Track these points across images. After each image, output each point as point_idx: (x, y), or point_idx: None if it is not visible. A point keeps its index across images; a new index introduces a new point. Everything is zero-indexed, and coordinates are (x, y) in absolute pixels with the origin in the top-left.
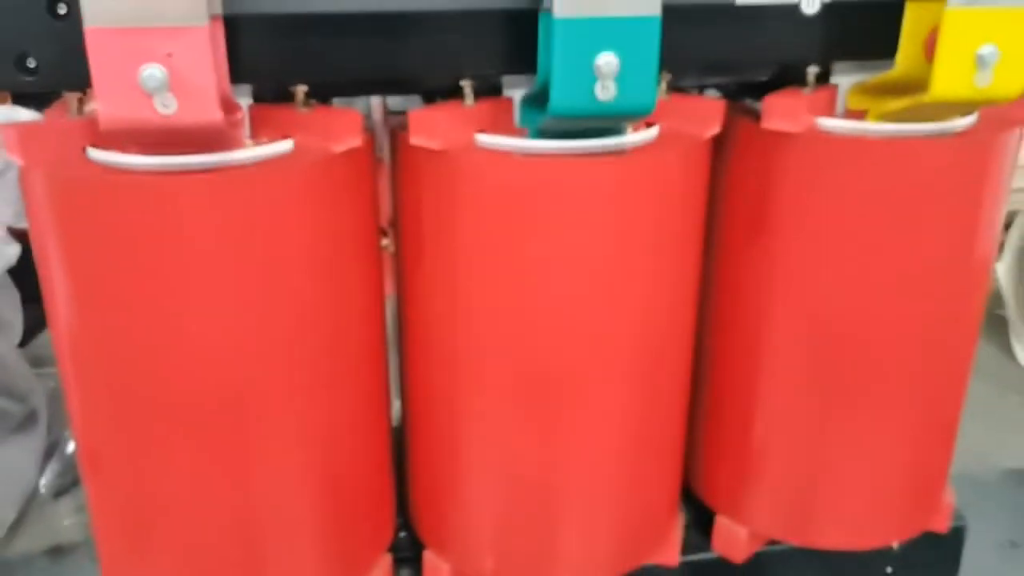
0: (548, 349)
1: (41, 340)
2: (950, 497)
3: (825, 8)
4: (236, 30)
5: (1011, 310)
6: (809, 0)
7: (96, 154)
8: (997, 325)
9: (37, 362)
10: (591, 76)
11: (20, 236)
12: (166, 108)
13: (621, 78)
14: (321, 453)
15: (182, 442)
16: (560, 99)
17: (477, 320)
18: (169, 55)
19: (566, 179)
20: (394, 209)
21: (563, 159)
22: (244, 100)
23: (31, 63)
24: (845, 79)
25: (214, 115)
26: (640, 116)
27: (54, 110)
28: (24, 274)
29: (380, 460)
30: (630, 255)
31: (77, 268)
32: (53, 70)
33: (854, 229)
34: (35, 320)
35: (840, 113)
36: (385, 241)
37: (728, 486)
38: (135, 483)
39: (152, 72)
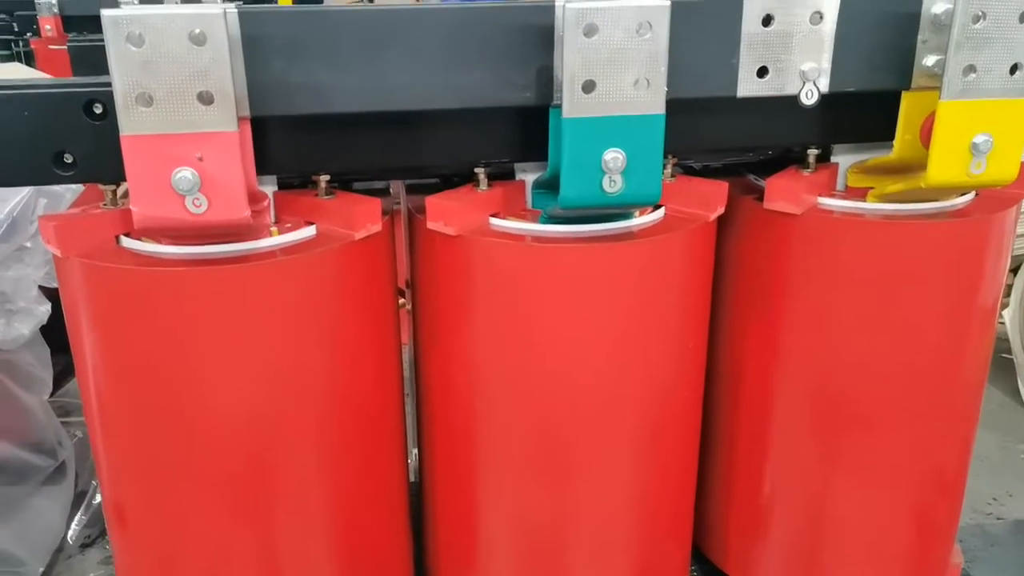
0: (558, 420)
1: (69, 388)
2: (958, 557)
3: (824, 98)
4: (262, 127)
5: (1018, 355)
6: (808, 92)
7: (129, 243)
8: (1004, 369)
9: (65, 411)
10: (599, 171)
11: (51, 294)
12: (198, 208)
13: (627, 172)
14: (340, 513)
15: (206, 503)
16: (569, 192)
17: (490, 392)
18: (200, 159)
19: (575, 262)
20: (411, 278)
21: (572, 243)
22: (269, 188)
23: (68, 159)
24: (845, 158)
25: (243, 213)
26: (646, 205)
27: (85, 195)
28: (52, 324)
29: (398, 517)
30: (637, 331)
31: (109, 348)
32: (90, 165)
33: (856, 303)
34: (63, 369)
35: (840, 190)
36: (402, 300)
37: (737, 546)
38: (160, 539)
39: (184, 175)
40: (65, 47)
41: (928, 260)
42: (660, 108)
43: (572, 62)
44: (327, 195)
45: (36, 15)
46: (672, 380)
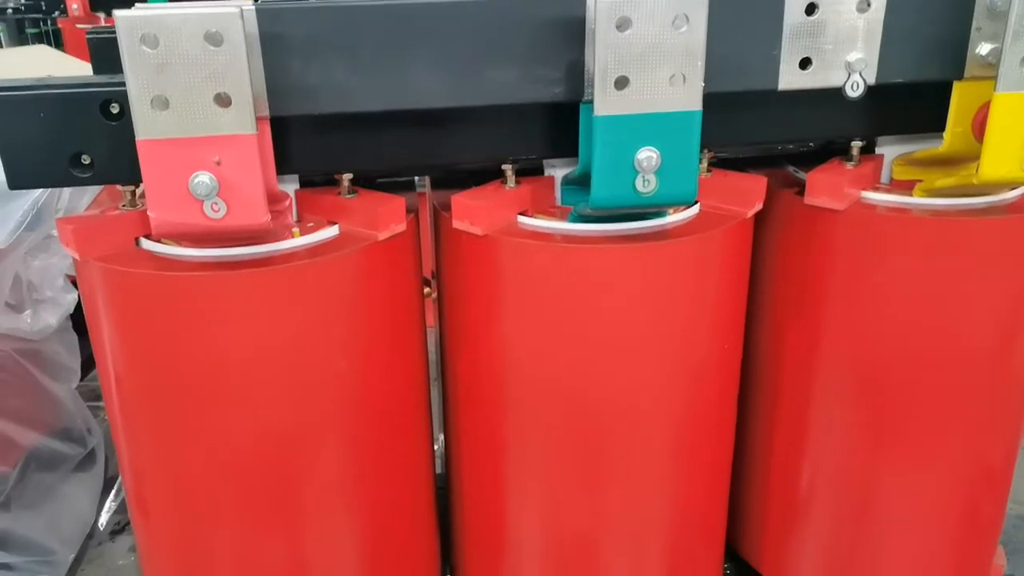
0: (589, 421)
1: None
2: (1001, 559)
3: (870, 89)
4: (283, 125)
5: None
6: (853, 84)
7: (149, 245)
8: None
9: (95, 394)
10: (632, 170)
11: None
12: (216, 213)
13: (662, 171)
14: (366, 512)
15: (229, 506)
16: (601, 193)
17: (520, 394)
18: (218, 163)
19: (606, 262)
20: (437, 272)
21: (603, 243)
22: (291, 187)
23: (86, 159)
24: (891, 149)
25: (262, 217)
26: (681, 205)
27: (103, 195)
28: (78, 307)
29: (424, 514)
30: (670, 332)
31: (129, 351)
32: (107, 166)
33: (901, 301)
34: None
35: (885, 183)
36: (427, 290)
37: (772, 545)
38: (183, 537)
39: (202, 180)
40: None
41: (978, 257)
42: (697, 104)
43: (604, 57)
44: (350, 194)
45: None
46: (707, 380)
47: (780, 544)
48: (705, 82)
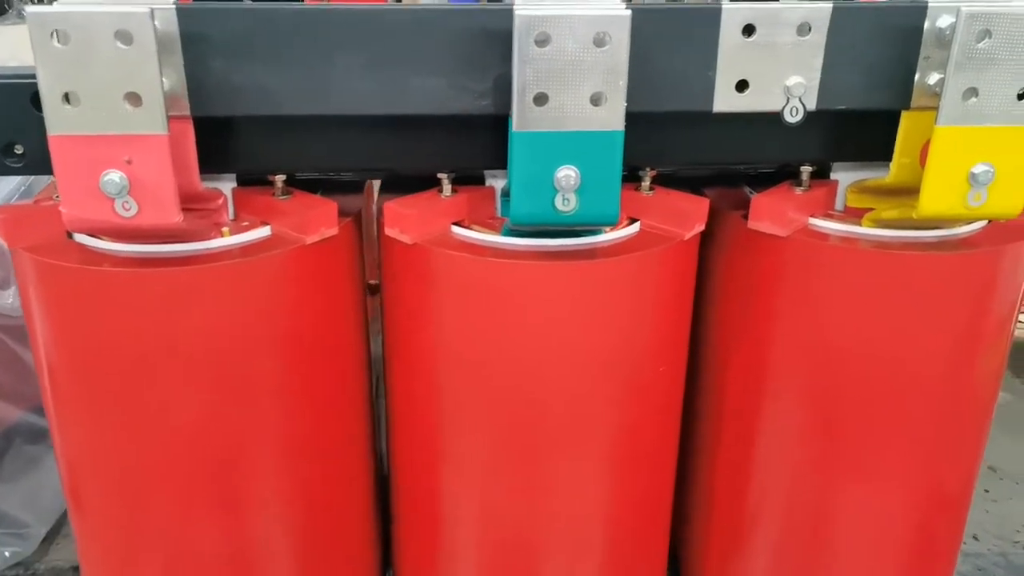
0: (520, 440)
1: None
2: None
3: (824, 114)
4: (219, 123)
5: None
6: (792, 109)
7: (80, 237)
8: None
9: None
10: (552, 188)
11: None
12: (127, 212)
13: (582, 191)
14: (302, 510)
15: (163, 502)
16: (520, 209)
17: (451, 404)
18: (129, 162)
19: (531, 278)
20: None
21: (530, 258)
22: (228, 185)
23: (18, 150)
24: (846, 175)
25: (173, 217)
26: (603, 226)
27: (51, 187)
28: None
29: (361, 513)
30: (602, 347)
31: (58, 343)
32: (38, 157)
33: (844, 331)
34: None
35: (840, 210)
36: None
37: (716, 569)
38: (118, 532)
39: (112, 178)
40: None
41: (922, 292)
42: (618, 125)
43: (523, 72)
44: (283, 195)
45: None
46: (644, 398)
47: (724, 567)
48: (635, 101)
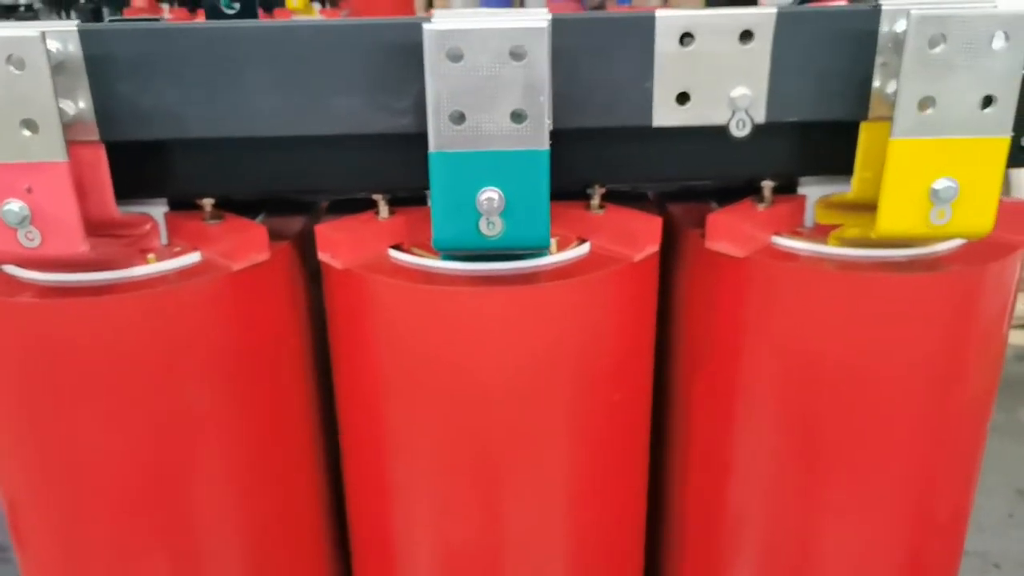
0: (473, 463)
1: None
2: None
3: (776, 126)
4: (143, 150)
5: None
6: (739, 122)
7: (7, 267)
8: None
9: None
10: (475, 211)
11: None
12: (30, 242)
13: (508, 214)
14: (253, 542)
15: (106, 534)
16: (443, 234)
17: (391, 436)
18: (29, 191)
19: (466, 304)
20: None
21: (466, 284)
22: (159, 210)
23: None
24: (814, 189)
25: (78, 247)
26: (535, 250)
27: None
28: None
29: (316, 545)
30: (546, 374)
31: None
32: None
33: (813, 356)
34: None
35: (808, 227)
36: None
37: None
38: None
39: (11, 207)
40: None
41: (896, 316)
42: (542, 144)
43: (437, 89)
44: (213, 219)
45: None
46: (600, 430)
47: None
48: (565, 117)
